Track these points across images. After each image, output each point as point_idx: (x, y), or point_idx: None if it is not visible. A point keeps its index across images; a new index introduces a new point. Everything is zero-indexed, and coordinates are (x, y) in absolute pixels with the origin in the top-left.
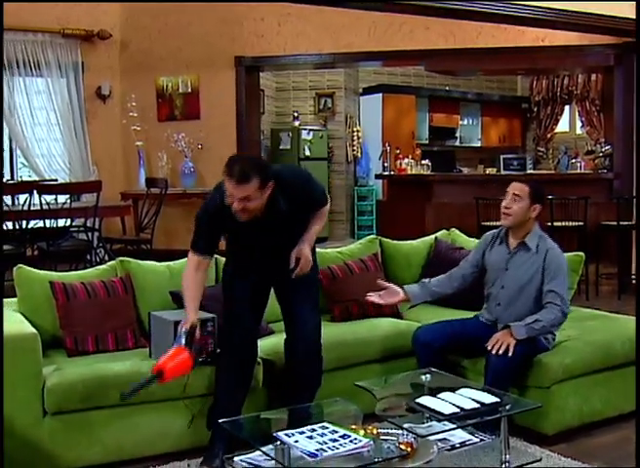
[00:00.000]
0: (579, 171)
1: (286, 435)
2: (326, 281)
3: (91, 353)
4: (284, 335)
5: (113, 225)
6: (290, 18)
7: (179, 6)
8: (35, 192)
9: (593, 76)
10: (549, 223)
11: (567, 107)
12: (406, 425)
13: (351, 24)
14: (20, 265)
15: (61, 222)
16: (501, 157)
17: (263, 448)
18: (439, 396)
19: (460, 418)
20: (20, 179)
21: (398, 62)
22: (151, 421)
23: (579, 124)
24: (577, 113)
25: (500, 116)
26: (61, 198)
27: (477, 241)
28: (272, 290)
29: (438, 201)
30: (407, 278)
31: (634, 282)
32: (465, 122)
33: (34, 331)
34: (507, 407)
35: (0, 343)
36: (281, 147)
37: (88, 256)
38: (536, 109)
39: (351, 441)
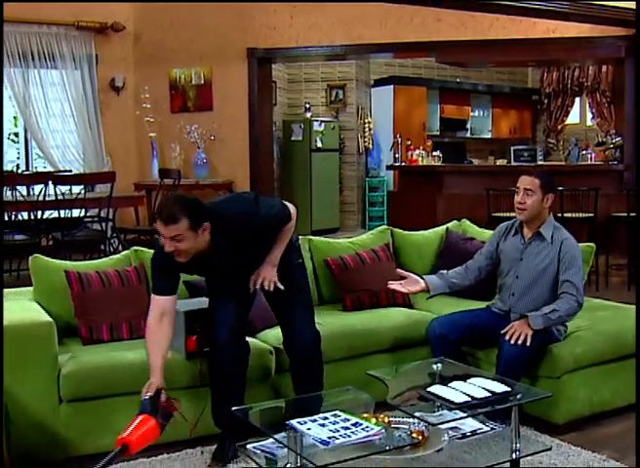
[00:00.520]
0: (589, 162)
1: (298, 423)
2: (338, 271)
3: (105, 341)
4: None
5: (127, 215)
6: (302, 10)
7: None
8: (50, 183)
9: (604, 68)
10: (560, 214)
11: (577, 99)
12: (417, 414)
13: (363, 16)
14: (36, 255)
15: (76, 213)
16: (512, 148)
17: (276, 436)
18: (450, 385)
19: (472, 407)
20: (35, 170)
21: (409, 54)
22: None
23: (589, 115)
24: (587, 105)
25: (511, 108)
26: (76, 189)
27: (488, 231)
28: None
29: (449, 192)
30: (418, 268)
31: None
32: (476, 113)
33: (50, 319)
34: (518, 396)
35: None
36: (293, 139)
37: (102, 246)
38: (546, 101)
39: (363, 429)
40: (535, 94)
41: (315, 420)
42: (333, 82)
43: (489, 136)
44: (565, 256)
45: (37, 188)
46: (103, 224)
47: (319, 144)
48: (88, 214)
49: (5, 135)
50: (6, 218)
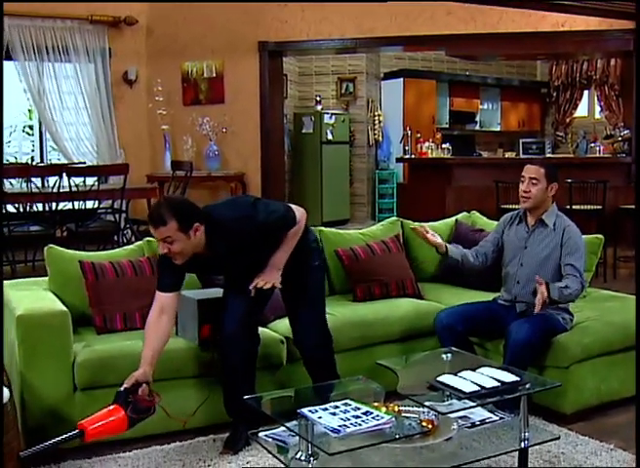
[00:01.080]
0: (597, 155)
1: (309, 411)
2: (348, 261)
3: (119, 331)
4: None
5: (140, 207)
6: (313, 3)
7: None
8: (64, 175)
9: (612, 61)
10: (568, 206)
11: (586, 92)
12: (427, 403)
13: (373, 10)
14: (51, 245)
15: (90, 204)
16: (521, 141)
17: (288, 424)
18: (460, 374)
19: (481, 397)
20: (49, 162)
21: (419, 47)
22: (176, 398)
23: (597, 109)
24: (595, 98)
25: (520, 101)
26: (90, 180)
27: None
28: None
29: (458, 184)
30: (428, 259)
31: None
32: (485, 106)
33: (65, 308)
34: (527, 386)
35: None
36: (303, 131)
37: (115, 237)
38: (555, 94)
39: (373, 417)
40: (543, 87)
41: (326, 409)
42: (343, 75)
43: (498, 128)
44: (567, 242)
45: (51, 180)
46: (117, 216)
47: (329, 137)
48: (101, 206)
49: (20, 127)
50: (21, 210)
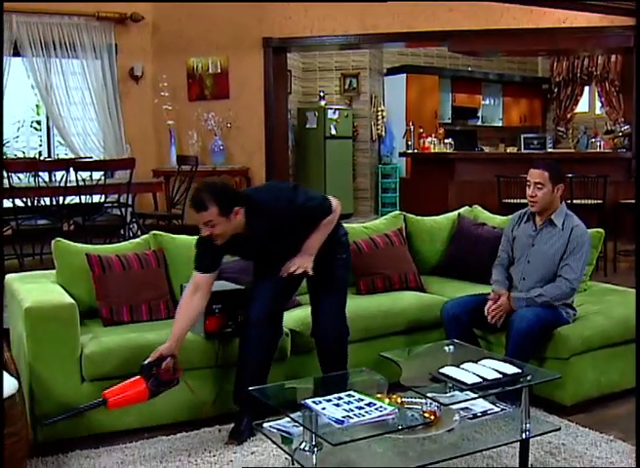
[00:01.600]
0: (598, 150)
1: (313, 402)
2: (352, 255)
3: (126, 323)
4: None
5: (146, 201)
6: (316, 3)
7: None
8: (71, 169)
9: (613, 57)
10: (569, 201)
11: (587, 88)
12: (429, 394)
13: (376, 6)
14: (59, 239)
15: (96, 198)
16: (522, 136)
17: (292, 415)
18: (462, 366)
19: (482, 388)
20: (56, 157)
21: (422, 43)
22: (182, 389)
23: (598, 104)
24: (596, 94)
25: (521, 96)
26: (96, 175)
27: (499, 217)
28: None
29: (460, 179)
30: (430, 252)
31: None
32: (487, 102)
33: (72, 301)
34: (528, 377)
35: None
36: (307, 126)
37: (121, 231)
38: (556, 90)
39: (377, 409)
40: (545, 83)
41: (330, 400)
42: (347, 71)
43: (499, 124)
44: (572, 242)
45: (59, 174)
46: (123, 210)
47: (333, 132)
48: (108, 200)
49: (27, 122)
50: (29, 204)
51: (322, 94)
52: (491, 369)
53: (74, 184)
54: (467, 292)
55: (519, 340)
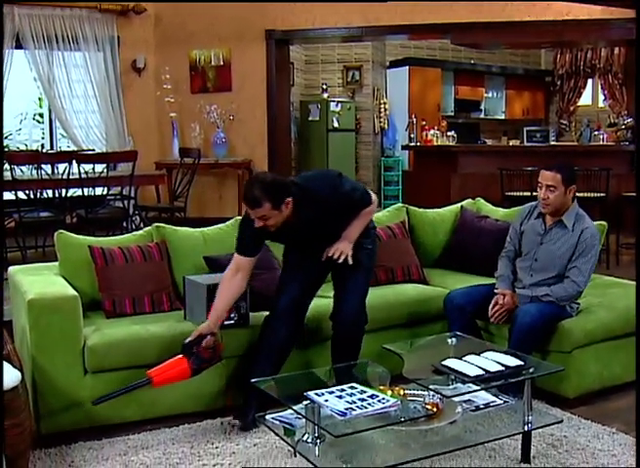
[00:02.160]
0: (601, 143)
1: (316, 394)
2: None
3: (128, 315)
4: (322, 300)
5: (148, 194)
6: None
7: None
8: (74, 162)
9: (616, 50)
10: None
11: (590, 81)
12: (432, 386)
13: None
14: (61, 231)
15: (99, 191)
16: (525, 129)
17: (295, 407)
18: (464, 358)
19: (485, 380)
20: (59, 150)
21: (424, 36)
22: (185, 381)
23: (601, 97)
24: (599, 86)
25: (524, 89)
26: (99, 167)
27: (502, 210)
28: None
29: (463, 171)
30: (433, 245)
31: None
32: (490, 95)
33: (75, 293)
34: (531, 370)
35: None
36: (310, 119)
37: (124, 223)
38: (559, 82)
39: (379, 401)
40: (548, 75)
41: (332, 392)
42: (349, 63)
43: (502, 116)
44: (582, 244)
45: (61, 167)
46: (125, 202)
47: (336, 124)
48: (110, 192)
49: (30, 115)
50: (31, 196)
51: (324, 86)
52: (493, 361)
53: (77, 177)
54: (470, 284)
55: (522, 335)
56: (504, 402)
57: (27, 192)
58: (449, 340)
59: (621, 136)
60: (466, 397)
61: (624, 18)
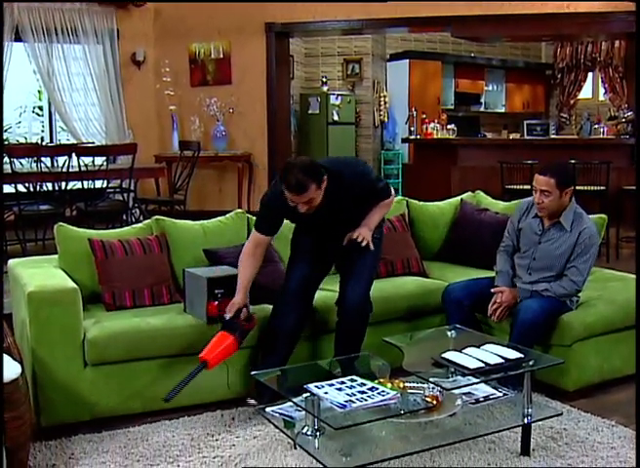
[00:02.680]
0: (601, 136)
1: (316, 387)
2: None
3: (128, 308)
4: (330, 293)
5: (148, 186)
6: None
7: None
8: (74, 155)
9: (617, 43)
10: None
11: (590, 74)
12: (432, 379)
13: None
14: (61, 224)
15: (99, 184)
16: (525, 122)
17: (295, 400)
18: (464, 351)
19: (485, 373)
20: (58, 143)
21: (425, 29)
22: (185, 374)
23: (601, 90)
24: (600, 80)
25: (525, 82)
26: (98, 160)
27: (502, 203)
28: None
29: (463, 164)
30: (433, 238)
31: None
32: (490, 88)
33: (75, 285)
34: (530, 362)
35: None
36: (310, 112)
37: (124, 216)
38: (559, 76)
39: (379, 393)
40: (548, 68)
41: (332, 385)
42: (349, 56)
43: (502, 110)
44: (580, 245)
45: (61, 160)
46: (125, 195)
47: (335, 117)
48: (110, 185)
49: (30, 108)
50: (31, 189)
51: (324, 79)
52: (493, 354)
53: (76, 170)
54: (470, 277)
55: (524, 330)
56: (504, 394)
57: (27, 185)
58: (448, 333)
59: (622, 129)
60: (466, 389)
61: (625, 11)
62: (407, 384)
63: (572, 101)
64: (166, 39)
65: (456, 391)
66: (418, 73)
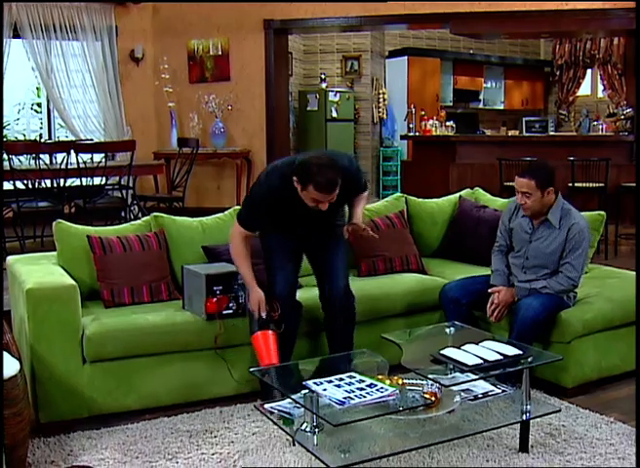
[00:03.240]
0: (600, 133)
1: (315, 383)
2: (353, 237)
3: (127, 304)
4: (313, 290)
5: (146, 183)
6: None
7: None
8: (72, 151)
9: (616, 40)
10: (571, 184)
11: (589, 71)
12: (431, 376)
13: None
14: (60, 221)
15: (97, 181)
16: (524, 119)
17: (293, 396)
18: (463, 348)
19: (483, 370)
20: (57, 139)
21: (424, 25)
22: (184, 370)
23: (600, 87)
24: (598, 77)
25: (523, 79)
26: (97, 157)
27: (501, 200)
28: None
29: (462, 161)
30: (432, 235)
31: None
32: (489, 85)
33: (74, 282)
34: (529, 359)
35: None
36: (308, 109)
37: (122, 213)
38: (558, 73)
39: (378, 390)
40: (547, 65)
41: (331, 381)
42: (348, 53)
43: (501, 107)
44: (571, 240)
45: (59, 157)
46: (124, 192)
47: (334, 114)
48: (109, 182)
49: (28, 105)
50: (29, 186)
51: (323, 76)
52: (492, 350)
53: (75, 167)
54: (468, 274)
55: (524, 328)
56: (503, 391)
57: (26, 182)
58: (447, 330)
59: (620, 126)
60: (465, 386)
61: (624, 7)
62: (405, 381)
63: (571, 98)
64: (164, 36)
65: (454, 388)
66: (416, 70)
